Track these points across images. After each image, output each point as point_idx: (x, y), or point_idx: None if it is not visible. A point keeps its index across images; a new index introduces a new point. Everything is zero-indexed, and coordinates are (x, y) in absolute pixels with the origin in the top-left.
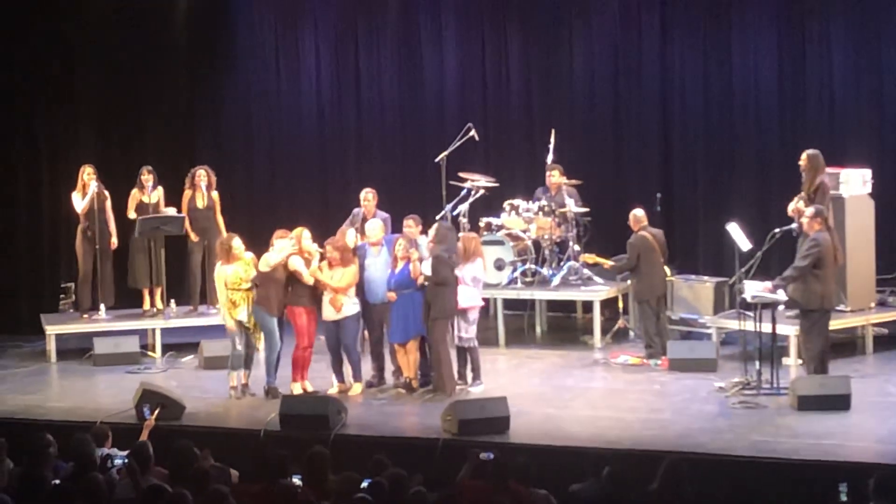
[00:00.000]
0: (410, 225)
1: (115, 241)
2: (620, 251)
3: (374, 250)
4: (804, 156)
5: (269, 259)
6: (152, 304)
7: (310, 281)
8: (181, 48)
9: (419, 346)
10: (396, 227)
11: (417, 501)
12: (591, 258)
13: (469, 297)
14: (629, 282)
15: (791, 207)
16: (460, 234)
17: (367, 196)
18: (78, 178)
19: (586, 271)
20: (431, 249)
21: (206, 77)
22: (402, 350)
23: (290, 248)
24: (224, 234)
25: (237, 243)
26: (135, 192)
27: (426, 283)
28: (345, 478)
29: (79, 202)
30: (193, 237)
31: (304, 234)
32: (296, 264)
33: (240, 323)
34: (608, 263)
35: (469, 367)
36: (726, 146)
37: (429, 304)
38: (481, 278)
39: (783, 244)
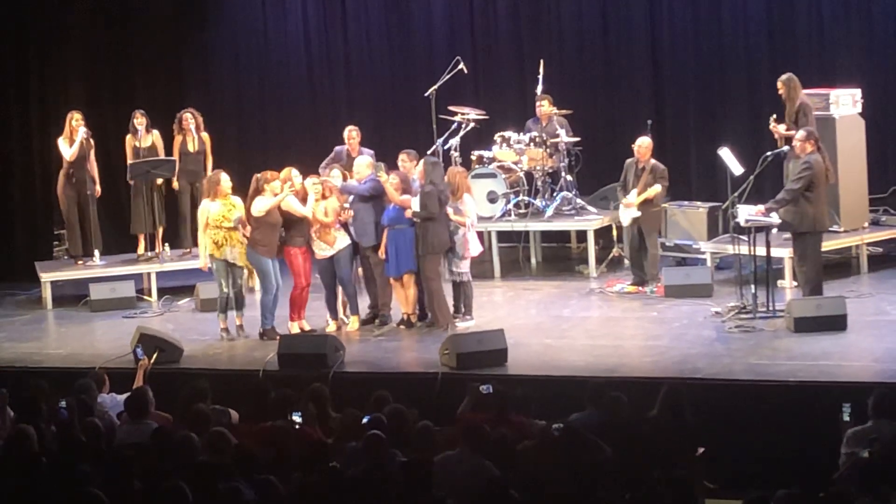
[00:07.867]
0: (405, 159)
1: (98, 188)
2: (613, 180)
3: None
4: (780, 83)
5: (262, 205)
6: (153, 248)
7: (308, 215)
8: None
9: (416, 282)
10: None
11: (423, 435)
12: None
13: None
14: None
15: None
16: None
17: (352, 133)
18: (65, 124)
19: (579, 201)
20: (420, 186)
21: (194, 19)
22: (399, 285)
23: (286, 190)
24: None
25: (224, 179)
26: (128, 137)
27: (416, 220)
28: (346, 415)
29: (66, 149)
30: (175, 185)
31: (293, 172)
32: (291, 203)
33: (226, 262)
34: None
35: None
36: (716, 71)
37: (419, 239)
38: (472, 215)
39: (775, 167)
